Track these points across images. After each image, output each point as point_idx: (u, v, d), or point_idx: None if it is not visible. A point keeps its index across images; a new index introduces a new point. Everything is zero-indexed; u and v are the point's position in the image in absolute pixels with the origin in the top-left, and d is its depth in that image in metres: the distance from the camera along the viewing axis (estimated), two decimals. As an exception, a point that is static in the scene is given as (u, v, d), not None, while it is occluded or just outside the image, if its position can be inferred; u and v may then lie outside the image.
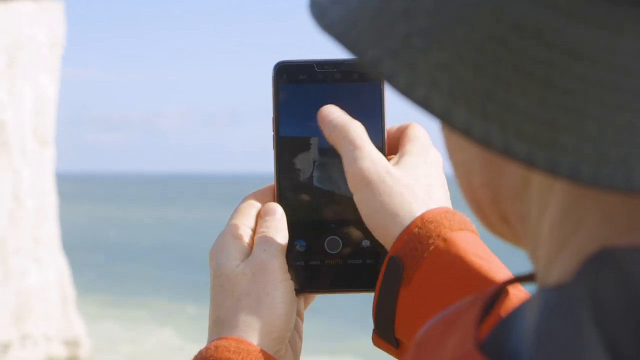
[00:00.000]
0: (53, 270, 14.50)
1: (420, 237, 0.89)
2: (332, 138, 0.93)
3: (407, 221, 0.90)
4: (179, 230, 43.42)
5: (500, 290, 0.59)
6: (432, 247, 0.89)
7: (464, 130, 0.49)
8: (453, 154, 0.59)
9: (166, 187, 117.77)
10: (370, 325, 0.95)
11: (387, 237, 0.91)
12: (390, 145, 0.98)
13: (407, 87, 0.50)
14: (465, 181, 0.58)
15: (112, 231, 43.82)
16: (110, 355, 16.01)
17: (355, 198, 0.92)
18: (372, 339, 0.93)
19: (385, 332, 0.91)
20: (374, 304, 0.91)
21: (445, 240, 0.89)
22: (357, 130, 0.92)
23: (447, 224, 0.90)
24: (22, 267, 13.87)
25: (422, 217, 0.90)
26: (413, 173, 0.93)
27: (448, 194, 0.95)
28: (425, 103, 0.50)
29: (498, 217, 0.58)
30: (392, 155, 0.97)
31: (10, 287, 13.60)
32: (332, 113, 0.93)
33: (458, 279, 0.88)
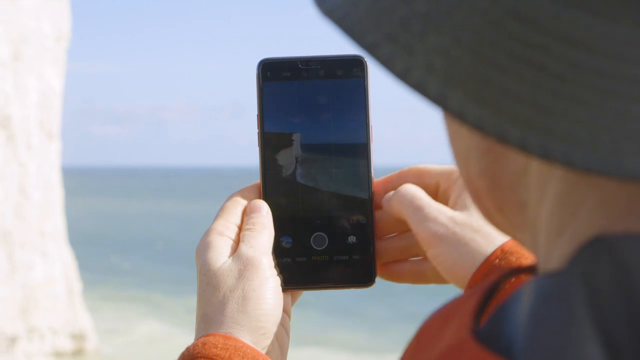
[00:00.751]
0: (59, 263, 14.50)
1: (501, 269, 0.89)
2: (394, 212, 0.96)
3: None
4: (184, 223, 43.39)
5: (499, 282, 0.59)
6: (513, 279, 0.88)
7: (458, 115, 0.49)
8: (453, 142, 0.59)
9: (171, 180, 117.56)
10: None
11: (465, 282, 0.92)
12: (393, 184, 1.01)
13: (404, 71, 0.50)
14: (464, 169, 0.59)
15: (117, 224, 43.82)
16: (115, 348, 16.02)
17: (429, 255, 0.94)
18: None
19: None
20: None
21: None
22: (410, 191, 0.95)
23: (528, 254, 0.90)
24: (28, 261, 13.88)
25: (501, 248, 0.91)
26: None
27: None
28: (420, 87, 0.50)
29: (495, 207, 0.58)
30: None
31: (16, 281, 13.61)
32: (387, 196, 0.97)
33: None
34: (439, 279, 0.97)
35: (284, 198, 0.99)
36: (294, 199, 0.99)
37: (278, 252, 0.98)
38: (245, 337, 0.92)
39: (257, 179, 1.01)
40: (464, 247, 0.91)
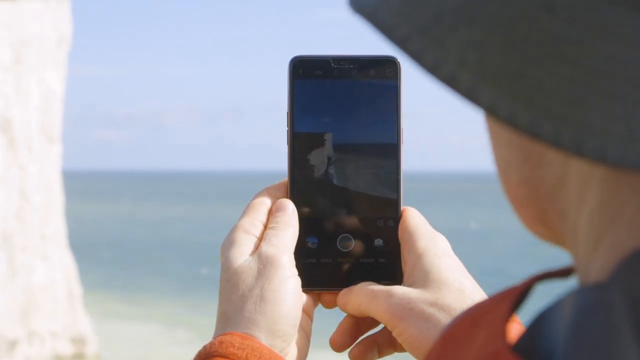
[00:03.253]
0: (59, 267, 14.51)
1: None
2: (350, 309, 0.98)
3: None
4: (185, 227, 43.45)
5: (530, 287, 0.57)
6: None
7: (489, 109, 0.49)
8: (494, 151, 0.58)
9: (172, 184, 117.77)
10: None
11: None
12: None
13: (434, 65, 0.50)
14: (505, 179, 0.58)
15: (118, 228, 43.87)
16: (116, 352, 16.04)
17: (395, 335, 0.94)
18: None
19: None
20: None
21: None
22: (361, 288, 0.97)
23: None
24: (28, 265, 13.88)
25: None
26: (436, 277, 0.94)
27: (470, 276, 0.97)
28: (451, 81, 0.49)
29: (536, 216, 0.57)
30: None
31: (16, 285, 13.61)
32: (339, 299, 0.99)
33: None
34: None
35: (311, 198, 0.98)
36: (321, 199, 0.98)
37: (303, 252, 0.97)
38: (263, 338, 0.91)
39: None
40: (424, 322, 0.92)
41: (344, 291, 0.98)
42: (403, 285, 0.96)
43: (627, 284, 0.49)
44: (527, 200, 0.56)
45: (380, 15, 0.52)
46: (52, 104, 14.73)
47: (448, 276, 0.94)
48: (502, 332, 0.53)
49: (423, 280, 0.94)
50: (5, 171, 13.71)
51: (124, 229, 43.54)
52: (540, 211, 0.56)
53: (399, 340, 0.94)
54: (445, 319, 0.92)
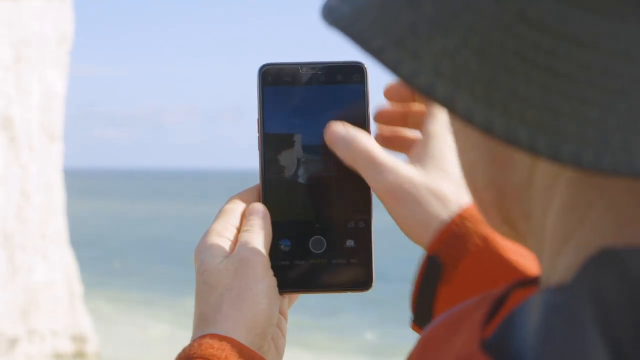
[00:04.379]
0: (60, 266, 14.50)
1: (458, 236, 0.89)
2: (345, 158, 0.94)
3: (437, 227, 0.90)
4: (185, 225, 43.35)
5: (508, 292, 0.59)
6: (470, 246, 0.89)
7: (466, 117, 0.50)
8: (460, 154, 0.59)
9: (172, 183, 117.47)
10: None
11: (422, 242, 0.91)
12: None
13: (411, 75, 0.51)
14: (471, 182, 0.59)
15: (119, 227, 43.77)
16: (116, 350, 16.01)
17: (387, 209, 0.93)
18: (411, 327, 0.94)
19: (423, 323, 0.92)
20: (413, 299, 0.92)
21: (484, 238, 0.89)
22: (364, 142, 0.94)
23: (483, 219, 0.89)
24: (29, 263, 13.87)
25: (460, 215, 0.90)
26: (440, 164, 0.93)
27: None
28: (428, 90, 0.50)
29: (502, 219, 0.58)
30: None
31: (17, 283, 13.61)
32: (338, 131, 0.95)
33: (498, 277, 0.88)
34: None
35: (283, 201, 1.00)
36: (293, 202, 1.00)
37: (276, 255, 0.99)
38: (241, 337, 0.93)
39: (256, 181, 1.02)
40: (420, 207, 0.91)
41: (339, 132, 0.95)
42: (409, 162, 0.94)
43: (592, 282, 0.50)
44: (494, 202, 0.57)
45: (356, 28, 0.53)
46: (53, 102, 14.72)
47: (452, 167, 0.93)
48: (478, 336, 0.54)
49: (427, 162, 0.93)
50: (5, 170, 13.71)
51: (124, 227, 43.43)
52: (506, 212, 0.57)
53: (391, 215, 0.93)
54: (436, 207, 0.90)
